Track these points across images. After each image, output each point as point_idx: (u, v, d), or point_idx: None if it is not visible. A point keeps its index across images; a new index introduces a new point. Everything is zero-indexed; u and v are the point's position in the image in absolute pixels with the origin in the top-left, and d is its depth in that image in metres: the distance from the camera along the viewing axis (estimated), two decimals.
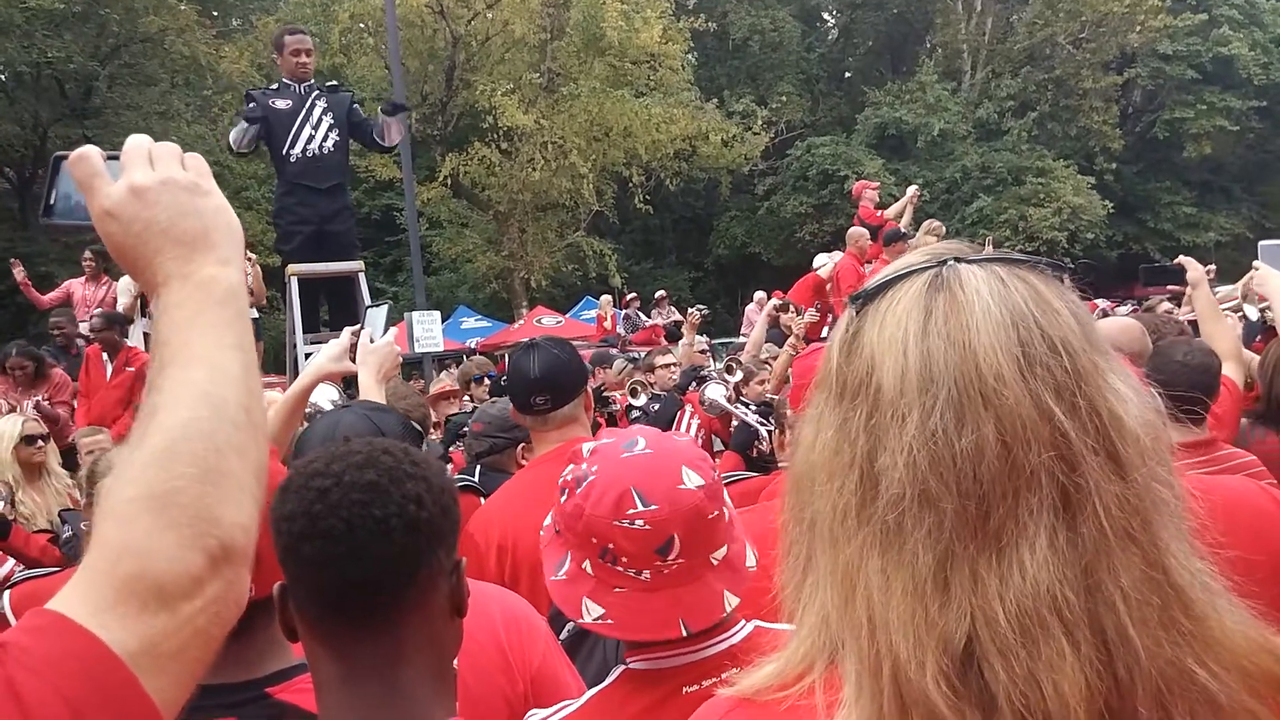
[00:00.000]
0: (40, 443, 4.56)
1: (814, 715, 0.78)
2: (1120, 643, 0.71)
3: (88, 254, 9.99)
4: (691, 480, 1.50)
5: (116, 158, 1.04)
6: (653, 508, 1.47)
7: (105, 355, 7.64)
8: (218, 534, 0.87)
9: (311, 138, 6.64)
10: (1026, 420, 0.73)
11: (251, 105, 6.69)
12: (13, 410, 6.04)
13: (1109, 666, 0.71)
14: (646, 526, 1.46)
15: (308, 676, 1.45)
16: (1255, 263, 3.84)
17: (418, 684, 1.26)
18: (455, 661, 1.36)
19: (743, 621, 1.59)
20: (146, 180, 1.02)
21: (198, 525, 0.86)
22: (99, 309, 8.82)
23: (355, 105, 7.02)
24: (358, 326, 2.95)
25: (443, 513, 1.29)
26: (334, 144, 6.73)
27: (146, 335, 9.25)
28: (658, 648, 1.52)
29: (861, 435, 0.78)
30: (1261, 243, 4.10)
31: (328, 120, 6.70)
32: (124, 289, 9.52)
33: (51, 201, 1.09)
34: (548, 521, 1.62)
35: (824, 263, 10.95)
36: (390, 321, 2.93)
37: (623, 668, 1.56)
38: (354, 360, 2.77)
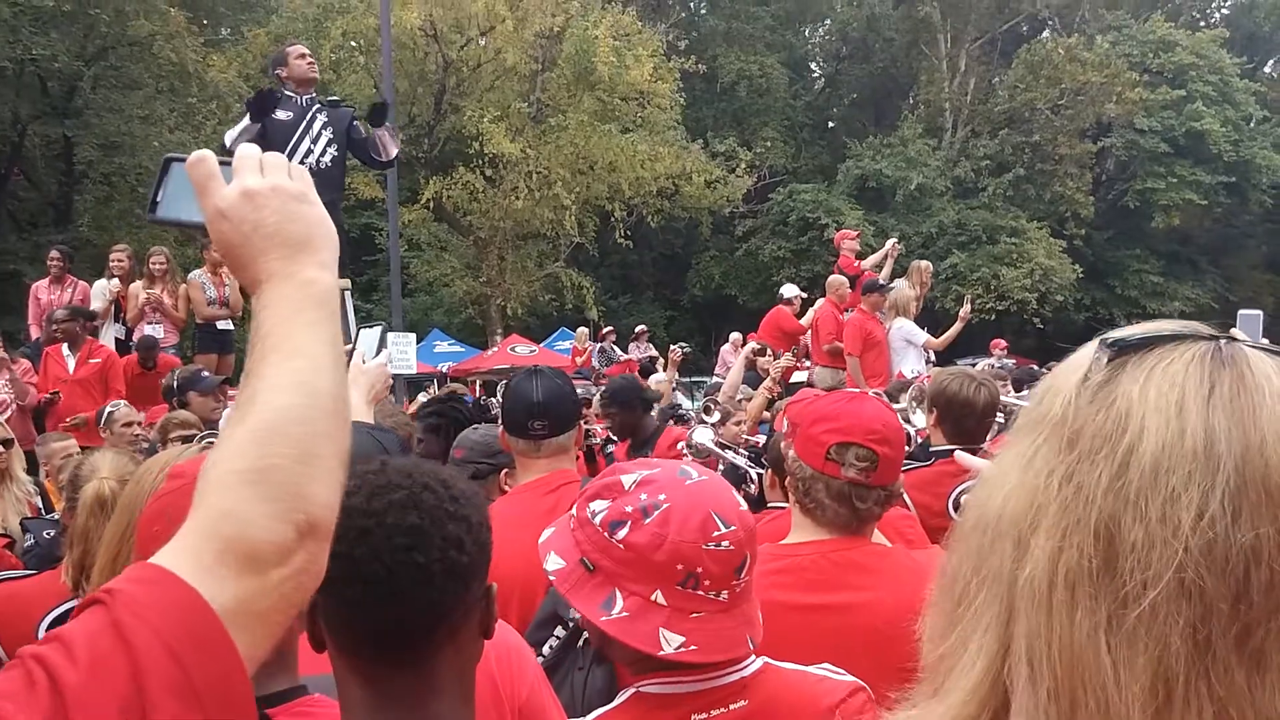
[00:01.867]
0: (2, 449, 4.48)
1: None
2: None
3: (54, 254, 9.89)
4: (742, 504, 1.60)
5: (229, 163, 1.11)
6: (733, 528, 1.52)
7: (67, 348, 7.71)
8: (307, 510, 0.95)
9: (310, 151, 6.61)
10: None
11: (258, 100, 6.57)
12: None
13: None
14: (731, 547, 1.52)
15: (310, 699, 1.45)
16: (1233, 330, 3.89)
17: (447, 712, 1.28)
18: None
19: (753, 656, 1.61)
20: (258, 185, 1.10)
21: (291, 501, 0.95)
22: (70, 305, 8.79)
23: (355, 123, 7.02)
24: (349, 346, 2.93)
25: (480, 550, 1.30)
26: (331, 159, 6.71)
27: (119, 340, 9.18)
28: (672, 671, 1.53)
29: (1101, 495, 0.69)
30: (1240, 312, 4.08)
31: (327, 135, 6.69)
32: (98, 293, 9.46)
33: (158, 199, 1.16)
34: (559, 565, 1.57)
35: (794, 294, 11.05)
36: (382, 343, 2.92)
37: (632, 690, 1.57)
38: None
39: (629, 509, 1.53)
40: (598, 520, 1.55)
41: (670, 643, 1.49)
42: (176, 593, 0.88)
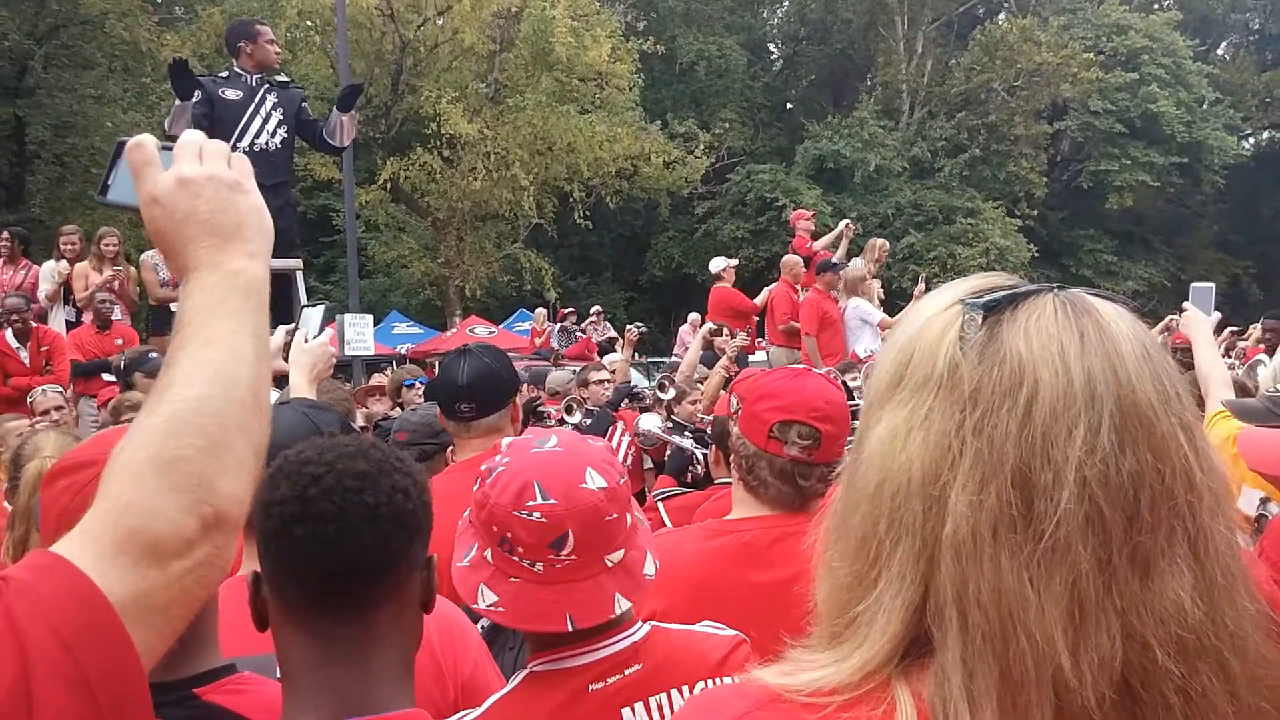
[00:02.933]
0: None
1: None
2: (1242, 674, 0.75)
3: (4, 235, 9.71)
4: (594, 481, 1.55)
5: (170, 147, 1.12)
6: (551, 502, 1.51)
7: (15, 340, 7.61)
8: (214, 502, 0.94)
9: (260, 132, 6.51)
10: (1174, 452, 0.75)
11: (183, 82, 6.29)
12: None
13: (1236, 697, 0.74)
14: (543, 519, 1.51)
15: (241, 676, 1.46)
16: (1184, 304, 3.89)
17: (387, 670, 1.30)
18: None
19: (640, 622, 1.65)
20: (194, 173, 1.10)
21: (197, 492, 0.94)
22: (15, 292, 8.63)
23: (304, 104, 6.91)
24: (292, 325, 2.92)
25: (424, 508, 1.35)
26: (281, 141, 6.59)
27: (68, 323, 9.04)
28: (560, 648, 1.56)
29: (1011, 446, 0.75)
30: (1193, 285, 4.08)
31: (277, 116, 6.56)
32: (46, 275, 9.30)
33: (109, 182, 1.18)
34: (467, 513, 1.66)
35: (722, 266, 11.03)
36: (325, 322, 2.91)
37: (525, 671, 1.59)
38: (286, 359, 2.74)
39: (484, 467, 1.61)
40: (477, 474, 1.63)
41: (485, 599, 1.55)
42: (71, 582, 0.87)
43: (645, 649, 1.60)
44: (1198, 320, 3.73)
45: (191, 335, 1.03)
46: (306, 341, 2.79)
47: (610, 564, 1.57)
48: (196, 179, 1.10)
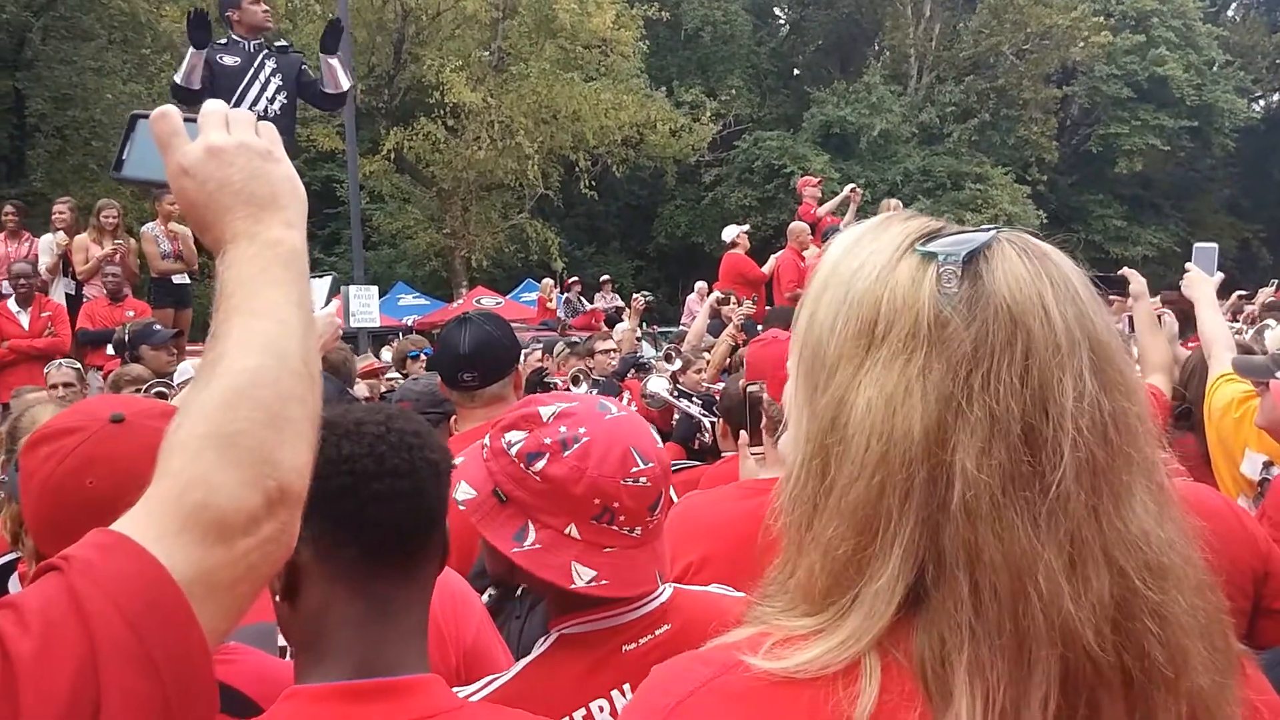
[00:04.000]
0: None
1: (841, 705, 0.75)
2: (1193, 589, 0.77)
3: (8, 208, 9.73)
4: (659, 442, 1.63)
5: (194, 120, 1.08)
6: (651, 465, 1.52)
7: (17, 305, 7.69)
8: (277, 476, 0.92)
9: (259, 98, 6.44)
10: (1135, 385, 0.78)
11: (199, 34, 6.27)
12: None
13: (1193, 610, 0.77)
14: (648, 483, 1.51)
15: (226, 647, 1.44)
16: (1187, 265, 3.83)
17: (415, 629, 1.33)
18: None
19: (661, 584, 1.62)
20: (223, 142, 1.06)
21: (259, 467, 0.91)
22: (21, 260, 8.66)
23: (304, 66, 6.82)
24: None
25: (451, 469, 1.41)
26: (281, 107, 6.54)
27: (68, 295, 9.03)
28: (591, 610, 1.53)
29: (1015, 401, 0.74)
30: (1196, 245, 4.02)
31: (276, 81, 6.51)
32: (45, 248, 9.31)
33: (124, 157, 1.15)
34: (469, 494, 1.54)
35: (736, 233, 10.98)
36: (332, 294, 2.88)
37: (555, 634, 1.55)
38: None
39: (548, 440, 1.51)
40: (514, 451, 1.52)
41: (582, 576, 1.49)
42: (136, 561, 0.84)
43: (673, 609, 1.60)
44: (1200, 281, 3.69)
45: (236, 306, 1.00)
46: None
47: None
48: (227, 148, 1.06)
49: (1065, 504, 0.73)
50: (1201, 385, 3.48)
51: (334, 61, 6.69)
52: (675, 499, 3.52)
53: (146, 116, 1.10)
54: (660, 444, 1.62)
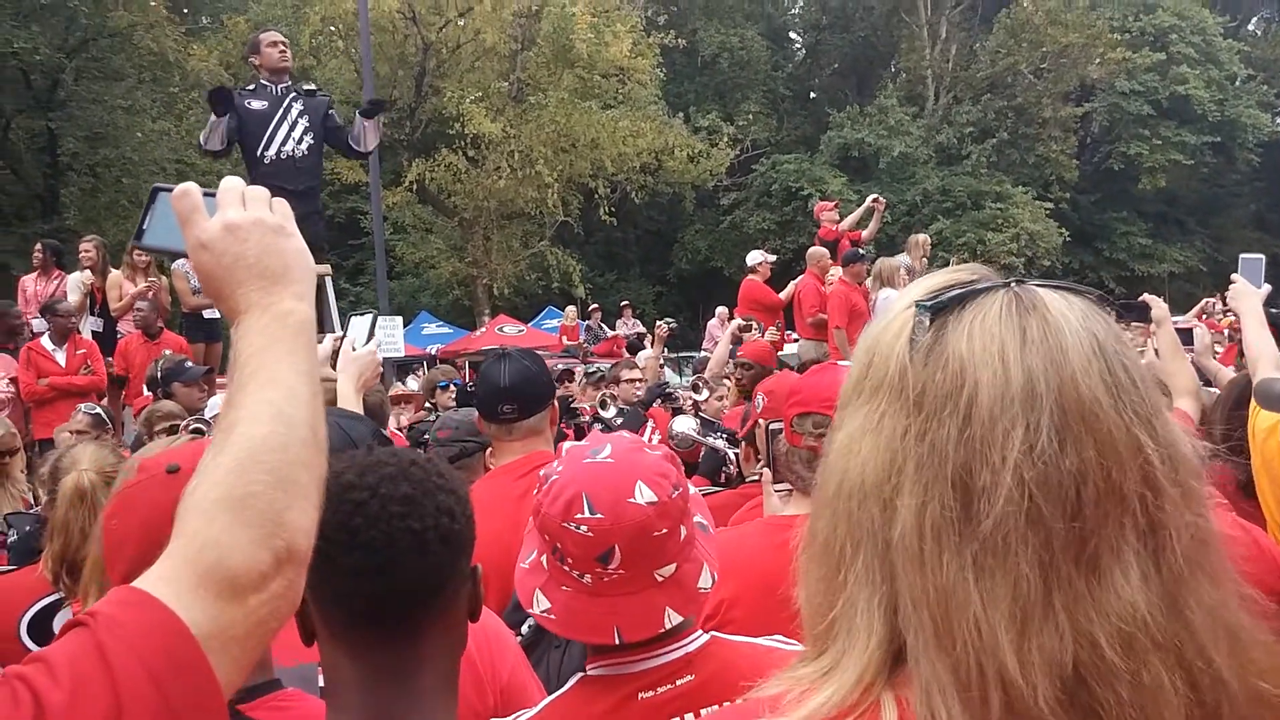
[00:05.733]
0: (7, 458, 4.49)
1: None
2: (1204, 666, 0.74)
3: (39, 247, 9.87)
4: (643, 496, 1.53)
5: (212, 195, 1.15)
6: (598, 516, 1.51)
7: (51, 343, 7.80)
8: (284, 536, 0.99)
9: (287, 139, 6.59)
10: (1122, 447, 0.74)
11: (219, 95, 6.57)
12: None
13: (1196, 689, 0.73)
14: (589, 533, 1.51)
15: (284, 693, 1.48)
16: (1233, 275, 3.70)
17: (431, 689, 1.32)
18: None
19: (699, 631, 1.63)
20: (239, 218, 1.14)
21: (269, 527, 0.98)
22: (54, 298, 8.80)
23: (332, 111, 6.98)
24: (340, 333, 2.95)
25: (468, 523, 1.36)
26: (308, 147, 6.68)
27: (95, 333, 9.16)
28: (614, 654, 1.56)
29: (952, 449, 0.75)
30: (1242, 256, 3.88)
31: (303, 123, 6.65)
32: (74, 286, 9.43)
33: (145, 227, 1.22)
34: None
35: (759, 259, 10.99)
36: (372, 330, 2.95)
37: (581, 675, 1.61)
38: (334, 367, 2.77)
39: (542, 473, 1.62)
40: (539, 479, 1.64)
41: (539, 604, 1.57)
42: (157, 616, 0.91)
43: (699, 660, 1.59)
44: (1246, 294, 3.53)
45: (250, 376, 1.07)
46: (354, 350, 2.83)
47: (660, 578, 1.56)
48: (243, 224, 1.13)
49: (1002, 555, 0.73)
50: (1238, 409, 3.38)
51: (369, 125, 6.91)
52: (705, 525, 3.56)
53: (168, 190, 1.17)
54: (662, 487, 1.55)
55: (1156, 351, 3.85)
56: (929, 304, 0.80)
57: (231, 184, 1.17)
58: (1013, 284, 0.81)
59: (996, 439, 0.74)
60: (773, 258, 11.36)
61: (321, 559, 1.25)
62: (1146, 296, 3.91)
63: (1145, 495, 0.74)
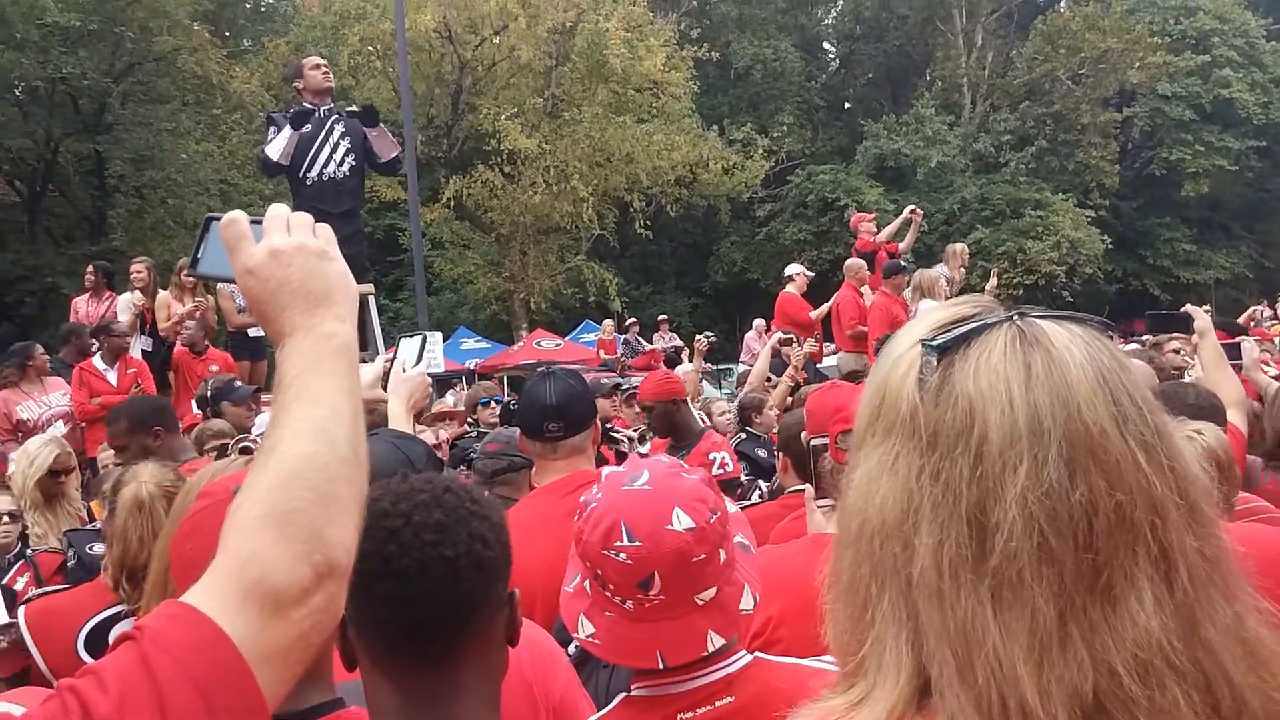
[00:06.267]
0: (64, 477, 4.60)
1: None
2: (1225, 686, 0.75)
3: (91, 269, 10.06)
4: (681, 522, 1.55)
5: (259, 221, 1.20)
6: (637, 544, 1.53)
7: (103, 363, 7.93)
8: (325, 552, 1.01)
9: (329, 161, 6.68)
10: (1129, 475, 0.76)
11: (278, 115, 6.70)
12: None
13: (1217, 710, 0.74)
14: (629, 561, 1.53)
15: (348, 712, 1.49)
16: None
17: (470, 713, 1.33)
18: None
19: (742, 652, 1.65)
20: (284, 244, 1.18)
21: (311, 543, 1.00)
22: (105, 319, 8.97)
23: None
24: (390, 354, 3.00)
25: (503, 549, 1.36)
26: (350, 168, 6.76)
27: (145, 352, 9.31)
28: (656, 675, 1.59)
29: (966, 487, 0.77)
30: None
31: (345, 144, 6.73)
32: (124, 307, 9.58)
33: (199, 255, 1.27)
34: None
35: (796, 271, 10.94)
36: (422, 350, 2.98)
37: (624, 695, 1.64)
38: (385, 388, 2.81)
39: (583, 499, 1.65)
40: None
41: (584, 629, 1.59)
42: (203, 630, 0.93)
43: (740, 681, 1.60)
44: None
45: (294, 396, 1.10)
46: (404, 371, 2.86)
47: (701, 602, 1.57)
48: (287, 249, 1.17)
49: (1017, 588, 0.75)
50: None
51: (375, 134, 6.97)
52: (746, 545, 3.56)
53: (219, 219, 1.22)
54: (699, 513, 1.57)
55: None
56: (935, 344, 0.82)
57: (277, 211, 1.21)
58: (1015, 317, 0.83)
59: (1006, 476, 0.76)
60: (811, 273, 11.34)
61: (357, 586, 1.25)
62: (1189, 307, 3.87)
63: (1155, 521, 0.76)
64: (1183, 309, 3.90)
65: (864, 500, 0.84)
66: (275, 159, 6.70)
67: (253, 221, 1.19)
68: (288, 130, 6.52)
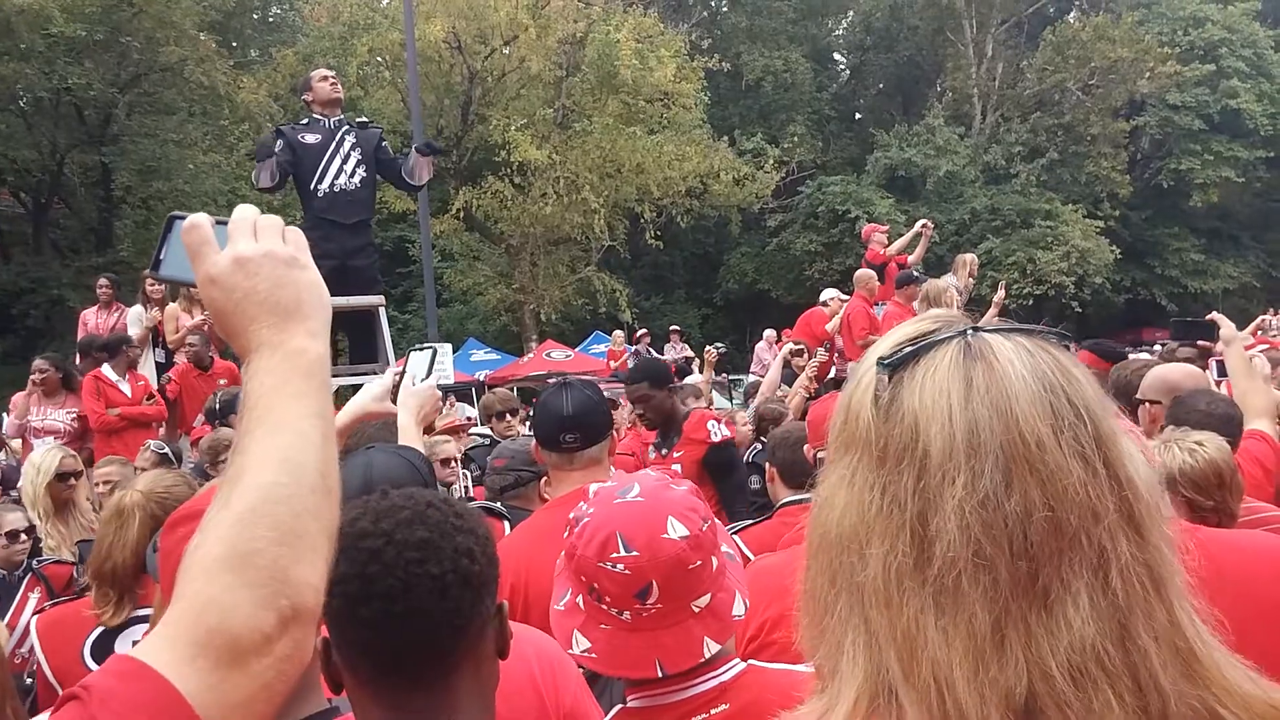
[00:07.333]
0: (73, 480, 4.62)
1: None
2: (1154, 691, 0.76)
3: (103, 281, 10.08)
4: (676, 531, 1.58)
5: (225, 223, 1.10)
6: (634, 554, 1.55)
7: (114, 373, 7.91)
8: (290, 595, 0.93)
9: (340, 173, 6.66)
10: (1066, 484, 0.77)
11: (265, 140, 6.71)
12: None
13: (1146, 712, 0.76)
14: (626, 571, 1.55)
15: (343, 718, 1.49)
16: None
17: None
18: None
19: (736, 660, 1.66)
20: (250, 251, 1.08)
21: (273, 585, 0.92)
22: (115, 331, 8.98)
23: (384, 143, 7.06)
24: (401, 368, 2.99)
25: (490, 562, 1.33)
26: (361, 180, 6.73)
27: (159, 364, 9.33)
28: (652, 686, 1.60)
29: (910, 499, 0.80)
30: None
31: (356, 156, 6.70)
32: (134, 319, 9.58)
33: (161, 256, 1.17)
34: (562, 556, 1.70)
35: (833, 295, 10.93)
36: (432, 364, 2.97)
37: (620, 707, 1.64)
38: (394, 401, 2.80)
39: (573, 516, 1.65)
40: (568, 522, 1.66)
41: (579, 644, 1.60)
42: (153, 688, 0.87)
43: (734, 689, 1.62)
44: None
45: (258, 420, 1.01)
46: (414, 384, 2.86)
47: (697, 609, 1.59)
48: (253, 257, 1.07)
49: (954, 595, 0.77)
50: None
51: (424, 162, 7.01)
52: (750, 555, 3.55)
53: (183, 218, 1.11)
54: (692, 521, 1.60)
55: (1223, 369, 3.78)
56: (887, 361, 0.85)
57: (243, 214, 1.11)
58: (966, 332, 0.85)
59: (945, 487, 0.79)
60: (845, 298, 11.35)
61: (340, 610, 1.23)
62: (1215, 315, 3.83)
63: (1091, 528, 0.78)
64: (1209, 316, 3.86)
65: (826, 513, 0.87)
66: (259, 185, 6.71)
67: (217, 223, 1.10)
68: (266, 162, 6.53)
